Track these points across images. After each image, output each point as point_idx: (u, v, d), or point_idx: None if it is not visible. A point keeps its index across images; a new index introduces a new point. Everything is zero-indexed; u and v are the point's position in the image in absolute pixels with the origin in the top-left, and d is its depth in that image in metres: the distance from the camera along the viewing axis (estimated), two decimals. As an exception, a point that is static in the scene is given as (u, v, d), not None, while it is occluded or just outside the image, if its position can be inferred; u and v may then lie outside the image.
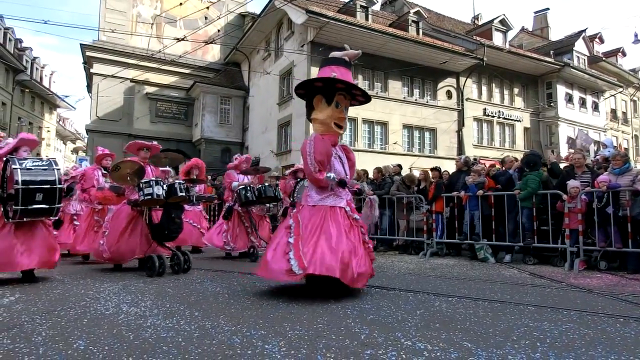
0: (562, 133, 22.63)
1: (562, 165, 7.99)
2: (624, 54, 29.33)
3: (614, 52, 28.85)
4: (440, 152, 19.84)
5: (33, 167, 4.29)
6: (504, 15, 21.95)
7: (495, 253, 6.73)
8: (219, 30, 23.50)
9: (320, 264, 3.50)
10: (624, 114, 28.11)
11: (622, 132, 27.48)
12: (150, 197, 4.93)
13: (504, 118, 22.13)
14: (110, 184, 6.30)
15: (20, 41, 31.60)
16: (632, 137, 28.38)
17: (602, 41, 28.12)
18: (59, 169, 4.49)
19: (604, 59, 26.88)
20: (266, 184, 7.20)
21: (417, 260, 6.85)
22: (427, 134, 20.05)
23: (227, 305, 3.38)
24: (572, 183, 5.90)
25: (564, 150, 21.20)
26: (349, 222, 3.91)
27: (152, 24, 23.49)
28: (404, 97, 19.41)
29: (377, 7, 21.93)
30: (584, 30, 25.28)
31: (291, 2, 16.55)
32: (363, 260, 3.77)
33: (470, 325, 2.82)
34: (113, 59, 22.51)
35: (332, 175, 3.92)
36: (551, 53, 23.64)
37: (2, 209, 4.31)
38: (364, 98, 4.39)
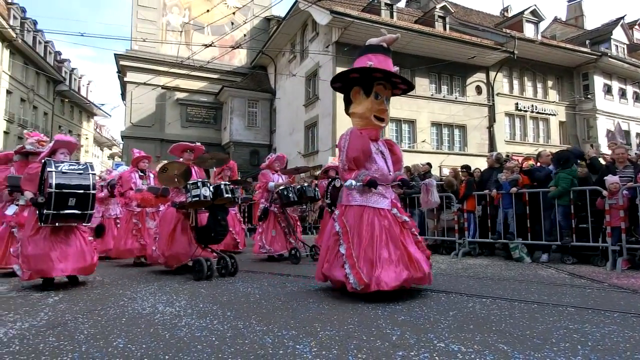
0: (601, 126, 21.66)
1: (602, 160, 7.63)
2: (667, 41, 27.73)
3: (656, 39, 27.32)
4: (470, 149, 19.39)
5: (69, 171, 4.20)
6: (535, 5, 21.22)
7: (531, 252, 6.51)
8: (245, 35, 23.88)
9: (380, 280, 3.37)
10: (669, 104, 26.58)
11: (667, 123, 25.98)
12: (197, 198, 4.84)
13: (538, 112, 21.40)
14: (147, 185, 6.38)
15: (59, 54, 33.15)
16: (678, 129, 26.78)
17: (642, 28, 26.69)
18: (94, 174, 4.42)
19: (644, 46, 25.52)
20: (305, 184, 6.97)
21: (449, 260, 6.71)
22: (456, 131, 19.65)
23: (258, 306, 3.43)
24: (610, 179, 5.63)
25: (603, 144, 20.28)
26: (399, 226, 3.68)
27: (181, 31, 24.13)
28: (432, 94, 19.10)
29: (402, 4, 21.70)
30: (622, 17, 24.11)
31: (315, 4, 16.62)
32: (421, 262, 3.61)
33: (505, 326, 2.74)
34: (145, 67, 23.27)
35: (352, 182, 3.68)
36: (587, 43, 22.67)
37: (37, 212, 4.24)
38: (406, 86, 4.06)
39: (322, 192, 7.53)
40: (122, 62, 23.56)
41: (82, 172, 4.28)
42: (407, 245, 3.62)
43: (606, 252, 5.61)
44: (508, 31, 19.82)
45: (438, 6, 20.06)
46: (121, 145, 30.99)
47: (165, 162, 5.79)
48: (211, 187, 4.99)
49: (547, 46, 20.71)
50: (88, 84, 39.15)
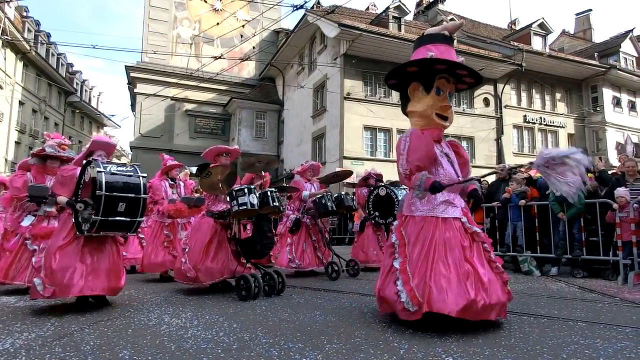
0: (610, 138, 21.47)
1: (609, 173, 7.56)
2: (677, 53, 27.56)
3: (666, 52, 27.18)
4: (478, 161, 19.30)
5: (117, 172, 3.67)
6: (543, 18, 21.26)
7: (540, 266, 6.43)
8: (254, 47, 24.17)
9: (435, 300, 2.80)
10: (680, 116, 26.32)
11: (678, 135, 25.70)
12: (245, 207, 4.29)
13: (546, 124, 21.30)
14: (177, 194, 5.97)
15: (72, 65, 33.78)
16: (690, 141, 26.47)
17: (651, 40, 26.59)
18: (144, 177, 3.85)
19: (654, 59, 25.40)
20: (342, 193, 6.46)
21: (457, 272, 6.63)
22: (464, 143, 19.58)
23: (264, 318, 3.41)
24: (619, 192, 5.57)
25: (612, 157, 20.09)
26: (469, 239, 3.08)
27: (191, 44, 24.49)
28: (440, 106, 19.08)
29: (409, 17, 21.86)
30: (631, 30, 24.05)
31: (324, 17, 16.81)
32: (493, 286, 2.95)
33: (515, 341, 2.69)
34: (155, 78, 23.61)
35: (418, 192, 3.10)
36: (595, 55, 22.61)
37: (73, 220, 3.70)
38: (473, 79, 3.50)
39: (362, 201, 7.09)
40: (132, 74, 23.93)
41: (131, 174, 3.77)
42: (475, 263, 2.98)
43: (617, 265, 5.52)
44: (516, 44, 19.86)
45: (446, 19, 20.18)
46: (130, 156, 31.31)
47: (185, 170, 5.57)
48: (257, 195, 4.46)
49: (555, 59, 20.70)
50: (99, 95, 39.78)
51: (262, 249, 4.51)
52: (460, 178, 3.30)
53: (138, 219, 3.76)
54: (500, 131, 19.99)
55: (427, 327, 2.92)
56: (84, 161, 3.85)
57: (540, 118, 21.13)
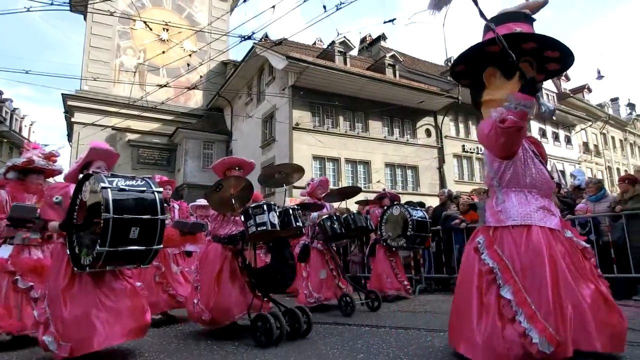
0: (539, 166, 23.34)
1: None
2: (590, 90, 30.93)
3: (580, 89, 30.41)
4: (423, 188, 20.09)
5: (127, 187, 2.85)
6: (475, 57, 23.06)
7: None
8: (201, 77, 24.00)
9: (579, 334, 2.22)
10: (596, 146, 29.25)
11: (596, 163, 28.46)
12: (264, 228, 3.53)
13: (483, 154, 22.62)
14: (171, 220, 5.01)
15: (1, 93, 31.62)
16: (606, 169, 29.37)
17: (568, 79, 29.67)
18: (160, 192, 2.99)
19: (571, 95, 28.29)
20: (355, 212, 5.66)
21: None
22: (409, 172, 20.37)
23: (209, 352, 3.22)
24: None
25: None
26: (579, 254, 2.51)
27: (135, 72, 23.89)
28: (385, 137, 19.85)
29: (354, 52, 22.85)
30: (550, 70, 26.70)
31: (271, 49, 17.14)
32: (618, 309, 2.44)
33: None
34: (95, 107, 22.61)
35: (513, 101, 2.27)
36: (522, 91, 24.81)
37: (69, 253, 2.90)
38: (559, 64, 2.76)
39: (375, 222, 6.30)
40: (70, 102, 22.77)
41: (143, 188, 2.93)
42: (599, 283, 2.48)
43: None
44: (452, 79, 21.30)
45: (388, 55, 21.34)
46: (65, 188, 29.33)
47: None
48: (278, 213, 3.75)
49: (488, 93, 22.38)
50: (31, 125, 37.36)
51: (283, 279, 3.71)
52: (555, 182, 2.84)
53: (155, 246, 2.89)
54: (442, 160, 21.04)
55: (377, 350, 2.88)
56: (80, 175, 3.07)
57: (478, 147, 22.53)
